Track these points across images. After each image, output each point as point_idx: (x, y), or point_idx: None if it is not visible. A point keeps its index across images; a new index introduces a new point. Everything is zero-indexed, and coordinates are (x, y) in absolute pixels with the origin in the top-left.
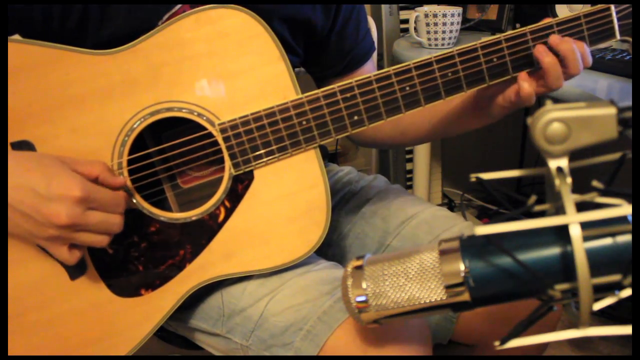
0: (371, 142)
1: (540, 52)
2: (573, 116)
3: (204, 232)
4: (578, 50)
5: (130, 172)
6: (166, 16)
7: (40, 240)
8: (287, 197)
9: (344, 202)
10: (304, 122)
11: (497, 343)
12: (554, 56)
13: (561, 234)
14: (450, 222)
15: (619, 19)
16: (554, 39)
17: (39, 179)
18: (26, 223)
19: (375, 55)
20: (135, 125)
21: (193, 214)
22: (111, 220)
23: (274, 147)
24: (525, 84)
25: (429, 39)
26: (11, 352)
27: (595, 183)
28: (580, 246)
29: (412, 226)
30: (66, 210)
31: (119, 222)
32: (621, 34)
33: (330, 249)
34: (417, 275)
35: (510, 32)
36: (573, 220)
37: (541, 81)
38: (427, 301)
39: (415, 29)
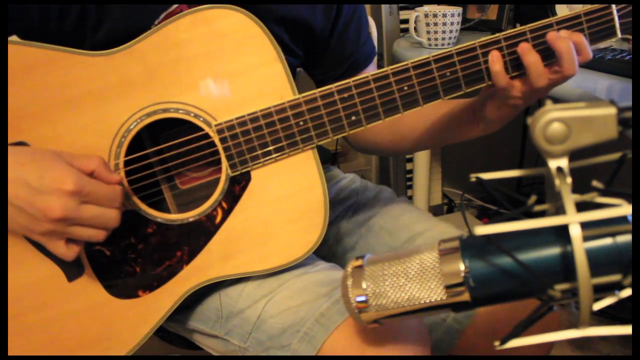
0: (371, 146)
1: (553, 38)
2: (573, 116)
3: (202, 233)
4: (574, 48)
5: (128, 173)
6: (163, 15)
7: (36, 236)
8: (285, 199)
9: (350, 213)
10: (301, 123)
11: (497, 343)
12: (567, 40)
13: (561, 234)
14: None
15: (620, 17)
16: (552, 35)
17: (32, 172)
18: (22, 218)
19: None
20: (132, 127)
21: (190, 215)
22: (107, 214)
23: (271, 147)
24: (494, 58)
25: (429, 39)
26: (9, 353)
27: (595, 183)
28: (580, 246)
29: (419, 244)
30: (59, 203)
31: (115, 216)
32: (622, 32)
33: (334, 259)
34: (417, 275)
35: (509, 31)
36: (573, 220)
37: (555, 67)
38: (427, 301)
39: (415, 29)
